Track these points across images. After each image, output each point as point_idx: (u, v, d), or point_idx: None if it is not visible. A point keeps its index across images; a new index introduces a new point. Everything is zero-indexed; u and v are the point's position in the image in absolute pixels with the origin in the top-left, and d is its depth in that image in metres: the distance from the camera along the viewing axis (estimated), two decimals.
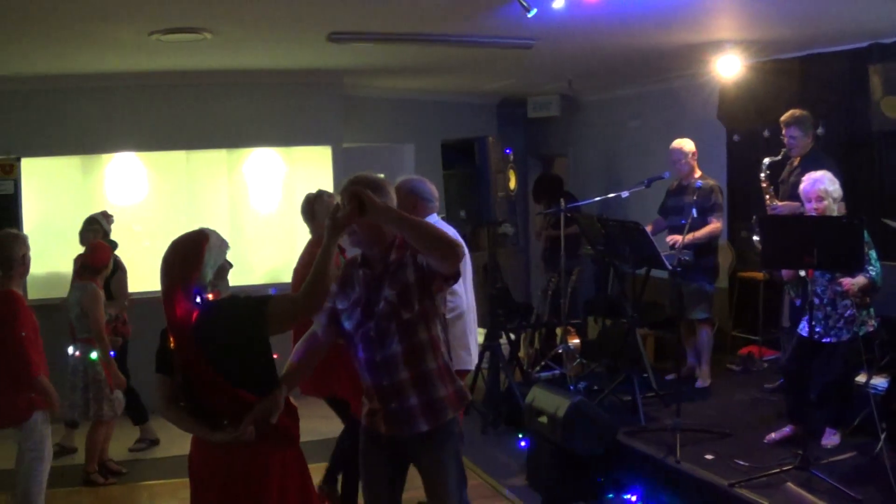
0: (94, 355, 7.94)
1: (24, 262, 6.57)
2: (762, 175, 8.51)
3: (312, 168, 11.59)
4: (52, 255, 10.37)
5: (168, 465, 8.69)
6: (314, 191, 7.14)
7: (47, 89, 10.56)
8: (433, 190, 6.56)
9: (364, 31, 8.67)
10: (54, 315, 8.61)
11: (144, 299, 9.03)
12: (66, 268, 9.79)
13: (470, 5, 7.56)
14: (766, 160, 8.53)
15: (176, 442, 8.32)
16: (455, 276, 4.46)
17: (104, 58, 9.41)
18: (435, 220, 6.51)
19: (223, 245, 4.60)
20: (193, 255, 4.41)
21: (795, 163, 8.44)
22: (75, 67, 9.92)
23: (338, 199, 4.45)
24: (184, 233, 4.50)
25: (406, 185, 6.40)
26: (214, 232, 4.59)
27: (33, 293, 9.87)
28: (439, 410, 4.60)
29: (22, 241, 6.59)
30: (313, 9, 7.66)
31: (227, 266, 4.69)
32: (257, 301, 4.34)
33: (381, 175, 8.78)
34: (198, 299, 4.33)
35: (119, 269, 8.94)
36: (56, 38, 8.34)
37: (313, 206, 6.97)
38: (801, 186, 7.15)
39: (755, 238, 7.68)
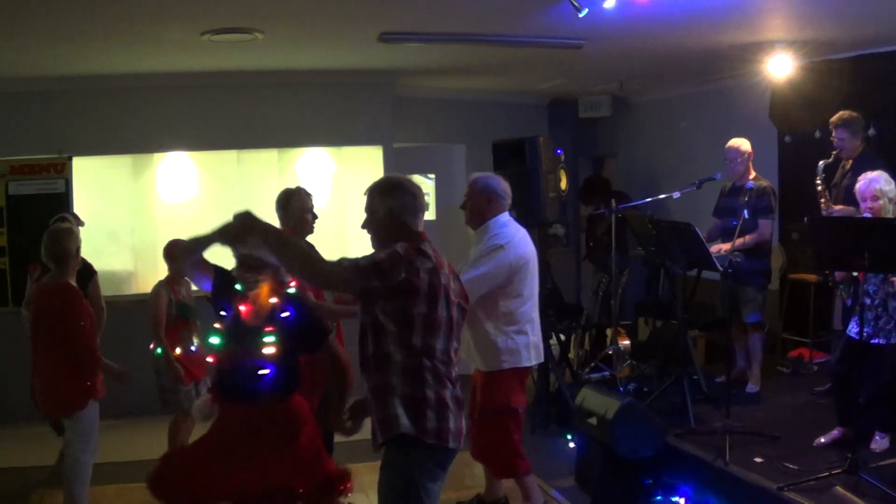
0: (159, 350, 8.14)
1: (77, 256, 6.73)
2: (818, 179, 8.43)
3: (363, 168, 11.62)
4: (103, 253, 10.46)
5: None
6: (293, 186, 7.31)
7: (98, 89, 10.67)
8: (506, 188, 6.72)
9: (415, 31, 8.69)
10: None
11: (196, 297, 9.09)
12: (118, 266, 9.89)
13: (521, 5, 7.57)
14: (821, 164, 8.45)
15: None
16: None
17: (155, 58, 9.50)
18: (506, 218, 6.68)
19: None
20: None
21: (847, 165, 8.38)
22: (126, 67, 10.01)
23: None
24: None
25: (479, 182, 6.67)
26: None
27: None
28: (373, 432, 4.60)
29: (75, 236, 6.77)
30: (364, 9, 7.70)
31: None
32: None
33: (432, 175, 8.89)
34: None
35: (94, 274, 8.98)
36: (107, 39, 8.43)
37: (289, 200, 7.08)
38: (857, 186, 7.12)
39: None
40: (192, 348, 8.28)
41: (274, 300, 5.39)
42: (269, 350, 5.23)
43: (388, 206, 4.67)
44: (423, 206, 4.80)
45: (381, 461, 4.57)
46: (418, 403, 4.45)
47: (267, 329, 5.29)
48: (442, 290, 4.55)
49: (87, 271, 8.63)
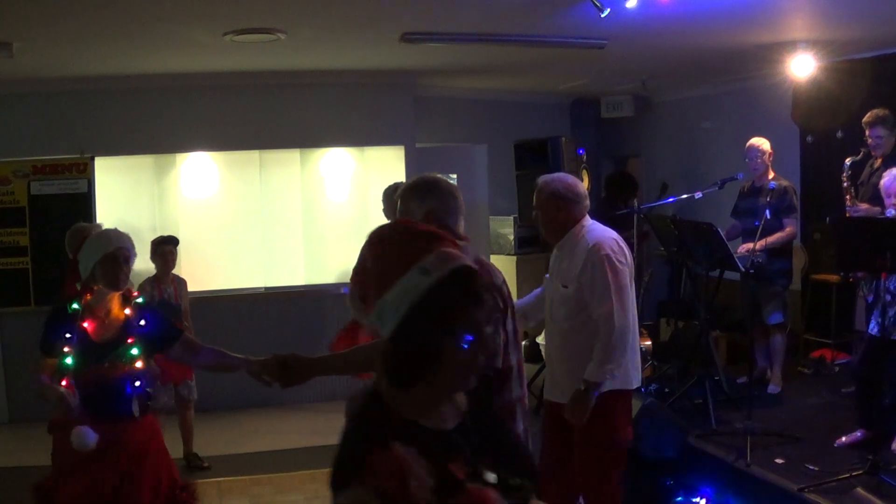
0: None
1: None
2: (843, 176, 8.40)
3: (385, 168, 11.62)
4: None
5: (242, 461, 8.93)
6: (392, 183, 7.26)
7: (121, 89, 10.73)
8: (579, 187, 5.68)
9: (437, 31, 8.69)
10: None
11: (220, 297, 9.13)
12: (139, 265, 9.89)
13: (543, 5, 7.57)
14: (848, 160, 8.42)
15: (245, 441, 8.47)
16: None
17: (178, 58, 9.53)
18: (590, 222, 5.64)
19: None
20: None
21: (877, 164, 8.30)
22: (149, 67, 10.05)
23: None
24: None
25: (547, 187, 5.63)
26: None
27: None
28: None
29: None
30: (387, 9, 7.71)
31: None
32: None
33: (454, 175, 8.57)
34: None
35: None
36: (130, 39, 8.46)
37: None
38: (883, 181, 7.12)
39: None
40: None
41: (127, 311, 5.20)
42: (138, 363, 5.03)
43: (428, 208, 4.20)
44: (462, 207, 4.30)
45: None
46: None
47: (129, 342, 5.06)
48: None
49: None
